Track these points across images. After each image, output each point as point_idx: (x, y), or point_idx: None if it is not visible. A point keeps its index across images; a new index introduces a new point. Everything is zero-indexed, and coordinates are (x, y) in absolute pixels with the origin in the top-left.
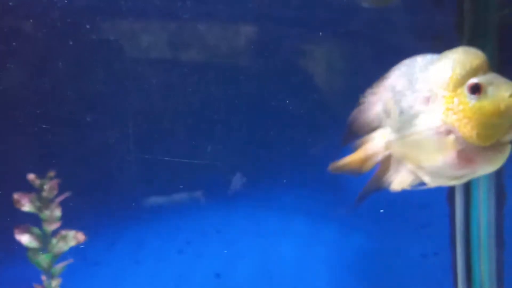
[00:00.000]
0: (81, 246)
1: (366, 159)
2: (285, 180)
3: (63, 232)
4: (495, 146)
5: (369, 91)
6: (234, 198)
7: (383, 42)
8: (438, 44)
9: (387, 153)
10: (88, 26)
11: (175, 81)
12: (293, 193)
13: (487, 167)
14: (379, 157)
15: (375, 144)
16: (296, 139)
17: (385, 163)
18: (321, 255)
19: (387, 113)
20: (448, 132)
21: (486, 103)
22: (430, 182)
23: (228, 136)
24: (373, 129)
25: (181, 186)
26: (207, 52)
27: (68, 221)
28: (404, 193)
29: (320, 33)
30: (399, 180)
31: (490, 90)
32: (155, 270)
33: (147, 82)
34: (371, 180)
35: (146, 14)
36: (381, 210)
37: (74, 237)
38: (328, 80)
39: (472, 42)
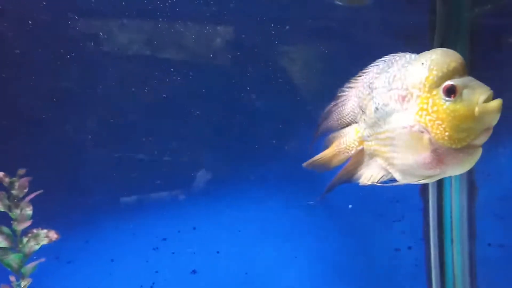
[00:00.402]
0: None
1: (338, 153)
2: (262, 177)
3: (35, 231)
4: (466, 149)
5: (346, 85)
6: (211, 195)
7: (358, 40)
8: (411, 42)
9: (359, 148)
10: (58, 23)
11: (148, 79)
12: (271, 190)
13: (457, 169)
14: (352, 151)
15: (349, 139)
16: (271, 136)
17: (357, 157)
18: (296, 251)
19: (362, 109)
20: (421, 132)
21: (460, 106)
22: (401, 179)
23: (204, 134)
24: (348, 123)
25: (156, 183)
26: (181, 50)
27: (40, 220)
28: (377, 188)
29: (293, 31)
30: (369, 175)
31: (465, 93)
32: (131, 268)
33: (119, 80)
34: (341, 172)
35: (123, 12)
36: (350, 206)
37: (46, 236)
38: (301, 77)
39: (444, 41)
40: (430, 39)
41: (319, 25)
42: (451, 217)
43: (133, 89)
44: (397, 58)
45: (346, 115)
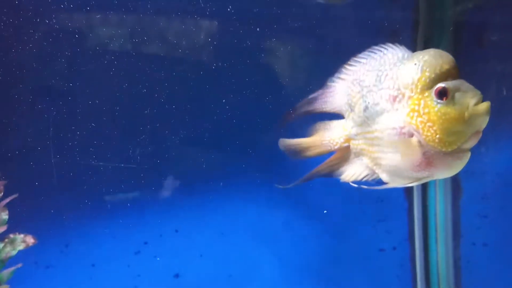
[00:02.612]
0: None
1: (320, 145)
2: (245, 179)
3: (11, 236)
4: (455, 153)
5: (336, 76)
6: (193, 197)
7: (339, 38)
8: (394, 40)
9: (344, 145)
10: (32, 18)
11: (125, 77)
12: (254, 191)
13: (445, 172)
14: (335, 147)
15: (334, 134)
16: (255, 137)
17: (341, 153)
18: (280, 252)
19: (351, 106)
20: (411, 134)
21: (451, 109)
22: (388, 181)
23: (186, 134)
24: (331, 114)
25: (136, 185)
26: (161, 46)
27: (16, 224)
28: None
29: (275, 29)
30: (352, 172)
31: (457, 96)
32: (112, 272)
33: (96, 79)
34: (322, 166)
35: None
36: (325, 211)
37: (23, 241)
38: (282, 75)
39: (427, 38)
40: (414, 37)
41: (300, 24)
42: (435, 216)
43: (111, 88)
44: (389, 55)
45: (332, 109)
